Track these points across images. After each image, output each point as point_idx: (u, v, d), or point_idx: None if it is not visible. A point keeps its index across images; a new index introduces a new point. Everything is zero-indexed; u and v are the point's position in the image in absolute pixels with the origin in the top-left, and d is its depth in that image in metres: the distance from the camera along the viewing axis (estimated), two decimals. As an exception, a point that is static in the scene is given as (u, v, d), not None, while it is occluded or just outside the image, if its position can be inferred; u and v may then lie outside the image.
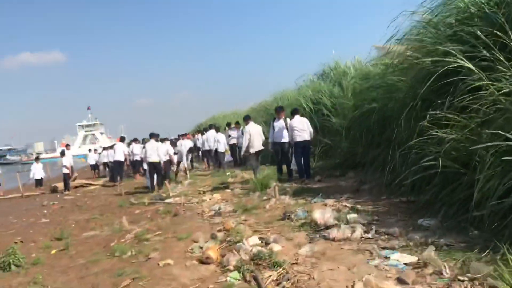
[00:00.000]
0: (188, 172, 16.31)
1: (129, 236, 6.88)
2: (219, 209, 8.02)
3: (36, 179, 19.11)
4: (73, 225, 9.00)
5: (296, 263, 4.37)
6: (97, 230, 8.05)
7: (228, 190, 10.53)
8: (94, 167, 24.78)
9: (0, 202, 16.76)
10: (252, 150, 10.62)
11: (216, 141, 16.46)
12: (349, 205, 6.50)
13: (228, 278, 4.23)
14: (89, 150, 27.07)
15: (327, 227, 5.34)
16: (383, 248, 4.43)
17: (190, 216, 8.00)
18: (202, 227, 6.84)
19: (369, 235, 4.86)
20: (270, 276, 4.10)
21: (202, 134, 19.37)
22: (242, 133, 13.80)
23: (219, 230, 6.24)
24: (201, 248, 5.55)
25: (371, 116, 8.42)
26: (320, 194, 7.50)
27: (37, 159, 20.58)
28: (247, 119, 11.34)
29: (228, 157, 18.72)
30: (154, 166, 13.04)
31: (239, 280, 4.19)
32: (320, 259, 4.41)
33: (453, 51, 5.42)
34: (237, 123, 17.22)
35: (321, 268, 4.12)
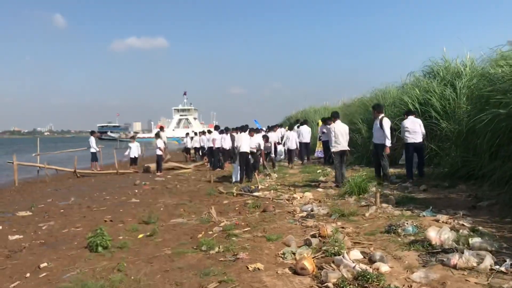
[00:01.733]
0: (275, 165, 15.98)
1: (217, 229, 6.52)
2: (311, 210, 7.43)
3: (131, 158, 19.79)
4: (161, 209, 8.92)
5: (410, 292, 3.65)
6: (185, 217, 7.84)
7: (320, 190, 9.89)
8: (187, 150, 25.41)
9: (97, 177, 17.61)
10: (335, 150, 10.09)
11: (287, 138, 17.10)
12: (468, 225, 5.57)
13: (328, 299, 3.62)
14: (187, 134, 27.60)
15: (445, 250, 4.52)
16: (524, 289, 3.56)
17: (280, 214, 7.48)
18: (293, 229, 6.30)
19: (502, 268, 3.96)
20: (379, 304, 3.43)
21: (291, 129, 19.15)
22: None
23: (313, 236, 5.64)
24: (293, 254, 5.01)
25: (497, 123, 7.30)
26: (431, 207, 6.58)
27: (132, 137, 21.32)
28: (335, 116, 10.56)
29: (318, 153, 18.08)
30: (244, 157, 12.79)
31: (340, 302, 3.57)
32: (440, 291, 3.65)
33: None
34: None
35: (444, 304, 3.38)
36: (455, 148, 9.92)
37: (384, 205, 7.19)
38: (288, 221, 6.89)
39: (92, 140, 19.44)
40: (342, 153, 10.13)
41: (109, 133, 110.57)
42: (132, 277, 4.54)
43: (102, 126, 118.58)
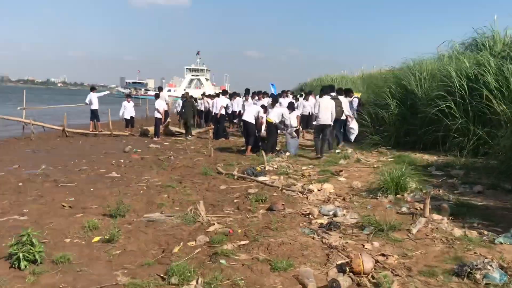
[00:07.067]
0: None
1: (201, 239, 4.64)
2: (334, 215, 5.50)
3: (126, 119, 17.75)
4: (141, 192, 7.07)
5: None
6: (165, 209, 5.98)
7: (342, 179, 7.96)
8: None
9: (87, 137, 15.81)
10: (315, 123, 10.71)
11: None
12: None
13: None
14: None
15: None
16: None
17: (291, 217, 5.53)
18: (310, 249, 4.37)
19: None
20: None
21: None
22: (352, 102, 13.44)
23: (342, 269, 3.73)
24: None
25: None
26: (511, 230, 4.58)
27: (128, 96, 19.11)
28: (322, 91, 11.03)
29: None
30: (245, 126, 11.80)
31: None
32: None
33: None
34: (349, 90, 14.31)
35: None
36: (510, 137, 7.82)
37: (435, 216, 5.22)
38: (303, 230, 4.98)
39: (93, 96, 17.31)
40: (322, 127, 10.43)
41: (119, 89, 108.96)
42: None
43: (131, 82, 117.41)
